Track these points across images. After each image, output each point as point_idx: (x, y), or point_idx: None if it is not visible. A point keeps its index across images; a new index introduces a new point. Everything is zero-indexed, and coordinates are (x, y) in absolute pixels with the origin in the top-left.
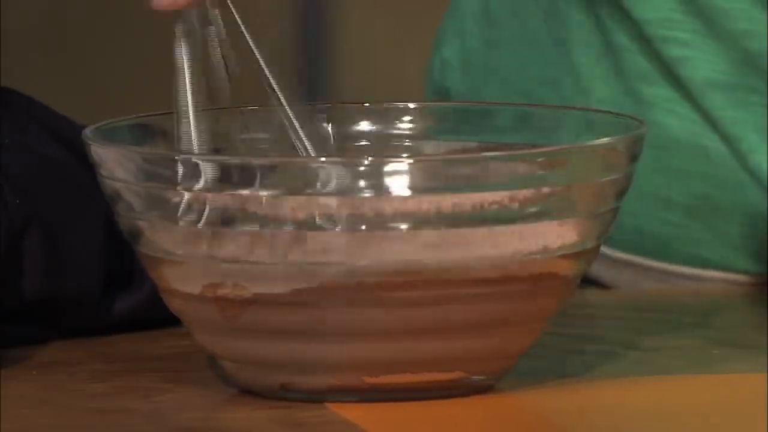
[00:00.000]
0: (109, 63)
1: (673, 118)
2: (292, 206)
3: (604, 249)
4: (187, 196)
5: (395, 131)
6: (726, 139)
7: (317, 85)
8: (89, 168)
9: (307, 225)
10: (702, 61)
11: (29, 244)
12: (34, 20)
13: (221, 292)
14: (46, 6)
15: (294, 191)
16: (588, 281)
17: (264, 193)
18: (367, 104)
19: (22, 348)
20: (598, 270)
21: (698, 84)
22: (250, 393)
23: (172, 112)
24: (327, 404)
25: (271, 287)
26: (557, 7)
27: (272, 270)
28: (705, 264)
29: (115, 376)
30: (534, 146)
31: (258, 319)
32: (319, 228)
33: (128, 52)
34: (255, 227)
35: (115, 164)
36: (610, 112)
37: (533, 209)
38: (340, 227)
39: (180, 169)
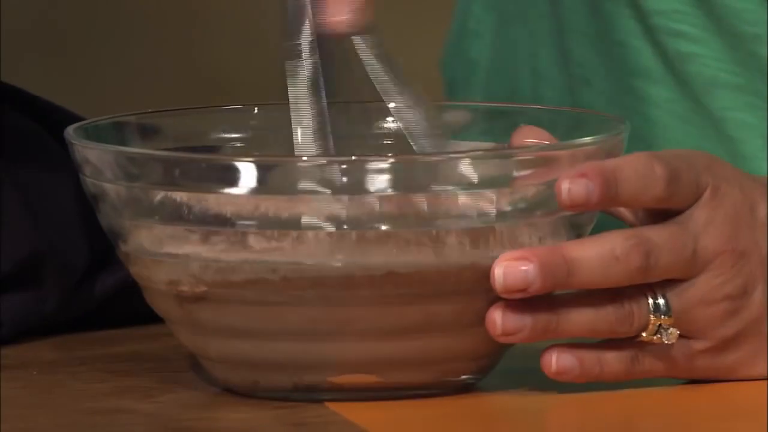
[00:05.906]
0: (108, 63)
1: (673, 118)
2: (264, 205)
3: None
4: (161, 195)
5: (377, 131)
6: (727, 141)
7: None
8: (64, 144)
9: (275, 224)
10: (710, 59)
11: (5, 200)
12: (34, 20)
13: (180, 288)
14: (46, 6)
15: (270, 191)
16: None
17: (234, 192)
18: (359, 103)
19: (22, 348)
20: None
21: (704, 82)
22: (242, 393)
23: (160, 111)
24: (327, 404)
25: (230, 282)
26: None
27: (232, 266)
28: None
29: (115, 376)
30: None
31: (218, 315)
32: (292, 227)
33: (128, 52)
34: (223, 226)
35: (98, 163)
36: (597, 113)
37: (521, 208)
38: (319, 227)
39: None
